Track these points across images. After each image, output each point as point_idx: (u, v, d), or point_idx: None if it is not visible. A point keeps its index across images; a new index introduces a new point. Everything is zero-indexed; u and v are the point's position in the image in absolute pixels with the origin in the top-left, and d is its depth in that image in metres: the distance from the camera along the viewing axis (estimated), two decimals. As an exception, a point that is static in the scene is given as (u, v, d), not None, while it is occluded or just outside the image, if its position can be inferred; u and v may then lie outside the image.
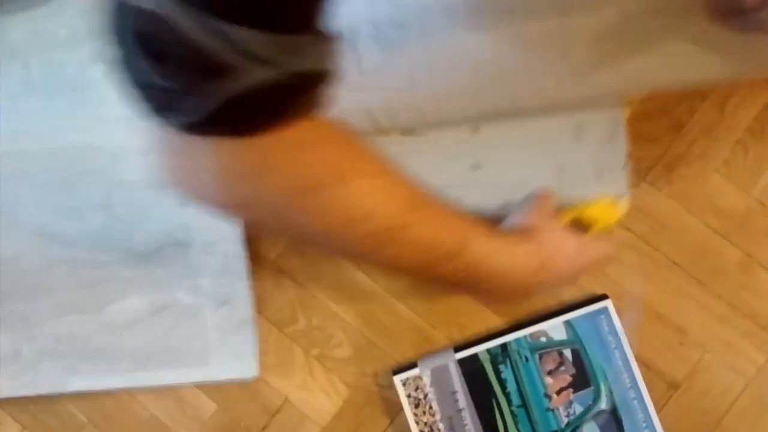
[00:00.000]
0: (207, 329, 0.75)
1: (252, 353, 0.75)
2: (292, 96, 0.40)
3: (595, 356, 0.74)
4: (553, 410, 0.74)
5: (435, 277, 0.56)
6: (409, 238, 0.50)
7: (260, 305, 0.76)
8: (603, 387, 0.73)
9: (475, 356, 0.74)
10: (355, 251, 0.52)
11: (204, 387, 0.76)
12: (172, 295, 0.76)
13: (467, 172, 0.73)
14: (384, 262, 0.53)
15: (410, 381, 0.74)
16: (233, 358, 0.75)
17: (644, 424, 0.73)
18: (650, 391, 0.73)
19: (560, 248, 0.62)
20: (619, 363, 0.73)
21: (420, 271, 0.54)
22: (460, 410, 0.74)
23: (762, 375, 0.74)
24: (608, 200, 0.70)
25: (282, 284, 0.76)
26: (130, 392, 0.77)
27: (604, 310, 0.74)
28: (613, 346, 0.74)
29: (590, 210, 0.69)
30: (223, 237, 0.75)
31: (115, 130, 0.76)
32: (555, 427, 0.73)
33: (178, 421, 0.77)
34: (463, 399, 0.74)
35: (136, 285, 0.76)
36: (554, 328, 0.74)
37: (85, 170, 0.76)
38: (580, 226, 0.69)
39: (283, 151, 0.43)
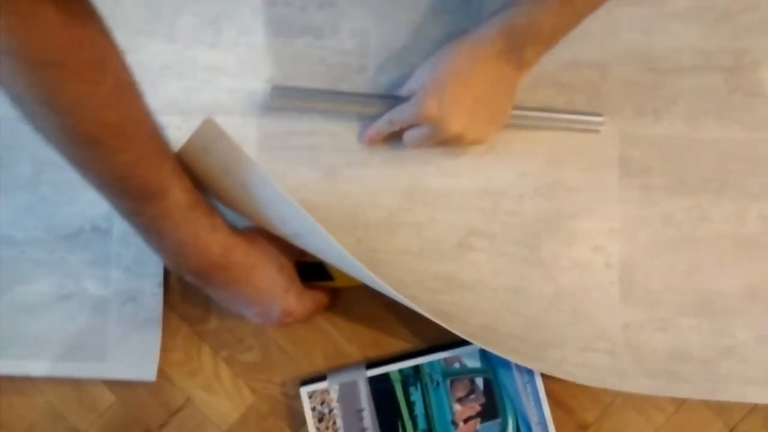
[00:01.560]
0: (109, 324, 0.73)
1: (152, 356, 0.72)
2: None
3: (506, 388, 0.72)
4: (458, 438, 0.72)
5: (121, 208, 0.56)
6: (102, 155, 0.51)
7: (173, 300, 0.74)
8: (511, 420, 0.72)
9: (386, 375, 0.73)
10: (49, 140, 0.51)
11: (105, 378, 0.74)
12: (80, 284, 0.74)
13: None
14: (79, 170, 0.53)
15: (317, 394, 0.72)
16: (132, 358, 0.73)
17: (548, 463, 0.72)
18: (558, 429, 0.72)
19: (268, 268, 0.63)
20: (530, 398, 0.72)
21: (108, 190, 0.55)
22: (364, 429, 0.72)
23: (670, 424, 0.73)
24: None
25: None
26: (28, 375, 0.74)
27: (521, 343, 0.73)
28: (526, 380, 0.72)
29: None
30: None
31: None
32: (458, 456, 0.72)
33: (73, 411, 0.74)
34: (368, 418, 0.73)
35: (46, 268, 0.74)
36: (469, 355, 0.73)
37: (17, 144, 0.74)
38: (319, 273, 0.68)
39: None
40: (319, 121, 0.74)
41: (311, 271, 0.68)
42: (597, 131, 0.72)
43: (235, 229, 0.62)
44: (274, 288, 0.64)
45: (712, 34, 0.74)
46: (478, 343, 0.68)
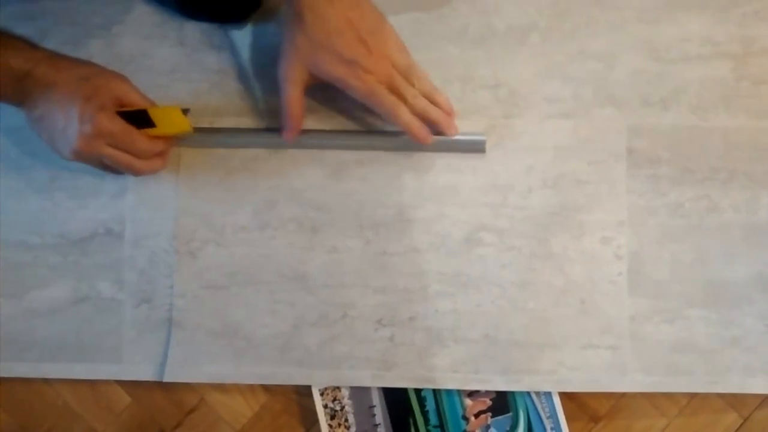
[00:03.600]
0: (124, 326, 0.74)
1: (167, 356, 0.74)
2: None
3: (517, 382, 0.73)
4: (470, 433, 0.73)
5: None
6: None
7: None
8: (522, 414, 0.72)
9: (397, 372, 0.73)
10: None
11: (120, 379, 0.75)
12: (95, 287, 0.75)
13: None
14: None
15: (329, 391, 0.73)
16: (146, 358, 0.74)
17: (560, 456, 0.72)
18: (570, 423, 0.72)
19: (67, 89, 0.65)
20: (541, 391, 0.72)
21: None
22: (376, 425, 0.73)
23: (683, 415, 0.73)
24: (177, 108, 0.69)
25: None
26: (45, 378, 0.76)
27: (531, 337, 0.73)
28: (537, 373, 0.73)
29: (158, 110, 0.68)
30: (155, 231, 0.75)
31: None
32: (470, 451, 0.72)
33: (91, 412, 0.76)
34: (380, 414, 0.73)
35: (61, 272, 0.75)
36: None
37: (31, 151, 0.76)
38: (141, 120, 0.67)
39: None
40: (327, 121, 0.74)
41: (133, 119, 0.67)
42: (482, 151, 0.72)
43: (41, 48, 0.66)
44: (70, 110, 0.64)
45: (719, 22, 0.73)
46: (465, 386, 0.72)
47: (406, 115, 0.68)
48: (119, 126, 0.66)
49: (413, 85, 0.69)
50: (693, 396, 0.72)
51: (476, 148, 0.72)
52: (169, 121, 0.68)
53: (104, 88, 0.66)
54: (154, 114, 0.67)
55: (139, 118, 0.67)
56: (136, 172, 0.70)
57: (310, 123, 0.73)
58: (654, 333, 0.71)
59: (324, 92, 0.71)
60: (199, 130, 0.73)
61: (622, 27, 0.74)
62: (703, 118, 0.72)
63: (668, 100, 0.73)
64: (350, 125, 0.74)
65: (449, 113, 0.70)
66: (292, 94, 0.68)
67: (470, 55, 0.74)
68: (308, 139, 0.73)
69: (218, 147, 0.74)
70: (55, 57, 0.66)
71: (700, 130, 0.72)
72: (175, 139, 0.72)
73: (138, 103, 0.68)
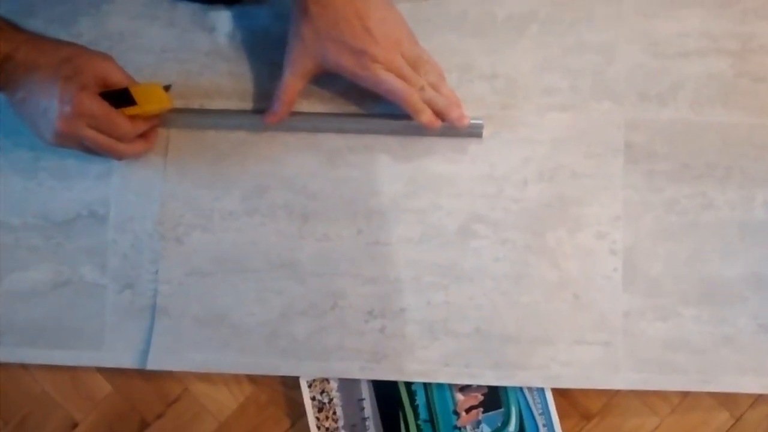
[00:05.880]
0: (106, 312, 0.72)
1: (149, 344, 0.72)
2: None
3: (509, 377, 0.71)
4: (460, 429, 0.71)
5: None
6: None
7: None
8: (514, 410, 0.71)
9: (387, 364, 0.72)
10: None
11: (101, 367, 0.73)
12: (77, 271, 0.73)
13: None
14: None
15: (317, 383, 0.71)
16: (128, 345, 0.72)
17: (551, 453, 0.71)
18: (562, 420, 0.71)
19: (48, 71, 0.63)
20: (534, 388, 0.71)
21: None
22: (364, 419, 0.71)
23: (675, 415, 0.72)
24: (158, 85, 0.68)
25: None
26: (23, 364, 0.73)
27: (524, 332, 0.72)
28: (529, 369, 0.71)
29: (139, 88, 0.67)
30: (140, 215, 0.73)
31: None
32: (460, 446, 0.71)
33: (70, 400, 0.74)
34: (369, 407, 0.72)
35: (43, 255, 0.73)
36: (471, 345, 0.72)
37: (16, 130, 0.74)
38: (123, 99, 0.66)
39: None
40: (319, 106, 0.73)
41: (115, 98, 0.65)
42: (479, 136, 0.71)
43: (23, 30, 0.64)
44: (51, 91, 0.63)
45: (718, 18, 0.72)
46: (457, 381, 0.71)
47: (417, 102, 0.67)
48: (99, 106, 0.64)
49: (421, 76, 0.67)
50: (685, 395, 0.72)
51: (474, 132, 0.71)
52: (151, 98, 0.67)
53: (86, 68, 0.64)
54: (135, 92, 0.66)
55: (121, 97, 0.65)
56: (118, 156, 0.68)
57: (303, 106, 0.72)
58: (647, 330, 0.70)
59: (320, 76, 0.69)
60: (187, 111, 0.71)
61: (621, 20, 0.73)
62: (701, 114, 0.72)
63: (666, 95, 0.72)
64: (344, 109, 0.72)
65: (457, 104, 0.69)
66: (291, 81, 0.68)
67: (469, 44, 0.73)
68: (300, 122, 0.71)
69: (206, 128, 0.73)
70: (37, 39, 0.65)
71: (698, 126, 0.72)
72: (158, 119, 0.70)
73: (122, 84, 0.66)
